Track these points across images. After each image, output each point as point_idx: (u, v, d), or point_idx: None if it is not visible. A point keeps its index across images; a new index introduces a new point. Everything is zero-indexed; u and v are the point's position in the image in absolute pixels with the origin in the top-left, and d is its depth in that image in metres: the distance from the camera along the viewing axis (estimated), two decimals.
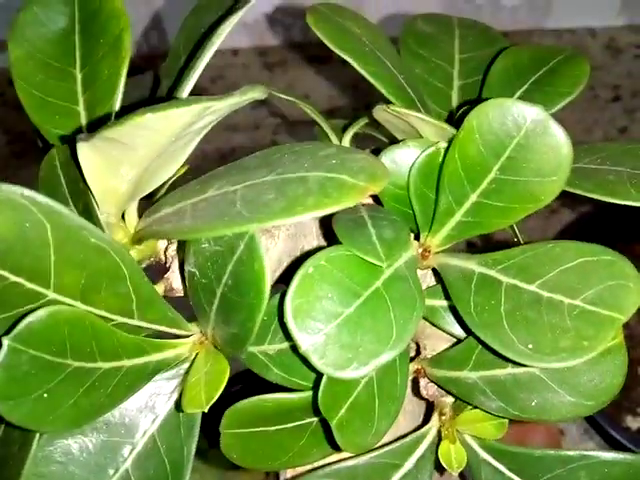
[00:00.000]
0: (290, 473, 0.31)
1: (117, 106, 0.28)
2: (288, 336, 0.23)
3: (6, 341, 0.20)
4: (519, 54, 0.30)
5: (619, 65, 0.86)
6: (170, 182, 0.28)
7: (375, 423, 0.24)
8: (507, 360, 0.22)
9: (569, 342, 0.21)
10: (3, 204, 0.21)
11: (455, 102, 0.31)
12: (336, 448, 0.24)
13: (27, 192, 0.21)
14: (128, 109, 0.26)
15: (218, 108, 0.20)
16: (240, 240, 0.21)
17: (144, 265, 0.28)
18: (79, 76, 0.28)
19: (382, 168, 0.20)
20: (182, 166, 0.27)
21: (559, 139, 0.21)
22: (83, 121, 0.28)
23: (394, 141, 0.29)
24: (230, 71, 0.89)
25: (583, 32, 0.89)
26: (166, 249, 0.27)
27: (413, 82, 0.29)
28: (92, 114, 0.28)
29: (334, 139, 0.31)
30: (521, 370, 0.24)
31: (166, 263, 0.27)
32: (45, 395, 0.22)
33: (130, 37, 0.28)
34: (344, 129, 0.31)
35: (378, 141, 0.32)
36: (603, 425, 0.54)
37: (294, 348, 0.23)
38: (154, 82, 0.31)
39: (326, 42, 0.25)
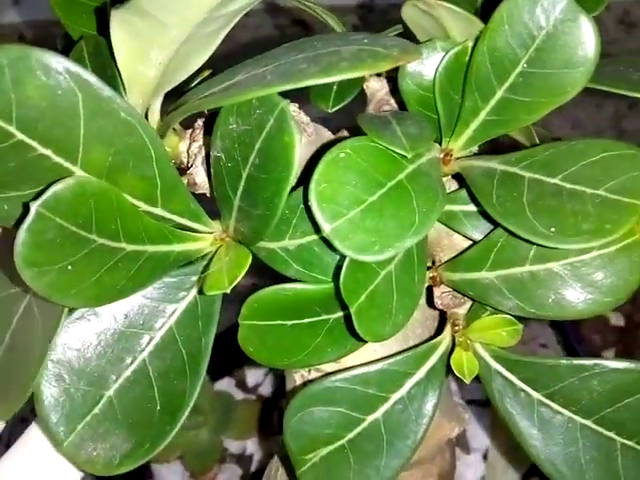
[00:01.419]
0: (299, 380, 0.31)
1: None
2: (313, 222, 0.23)
3: (34, 206, 0.21)
4: None
5: (632, 39, 0.86)
6: (193, 86, 0.28)
7: (393, 314, 0.24)
8: (531, 243, 0.22)
9: (591, 225, 0.21)
10: (37, 69, 0.21)
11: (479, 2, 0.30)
12: (355, 336, 0.24)
13: (62, 59, 0.21)
14: None
15: None
16: (270, 115, 0.21)
17: None
18: None
19: (414, 46, 0.21)
20: (205, 70, 0.27)
21: (587, 29, 0.22)
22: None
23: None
24: (239, 33, 0.89)
25: None
26: (188, 148, 0.27)
27: None
28: None
29: None
30: (539, 267, 0.24)
31: (188, 162, 0.27)
32: (69, 267, 0.22)
33: None
34: None
35: None
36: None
37: (318, 232, 0.23)
38: None
39: None
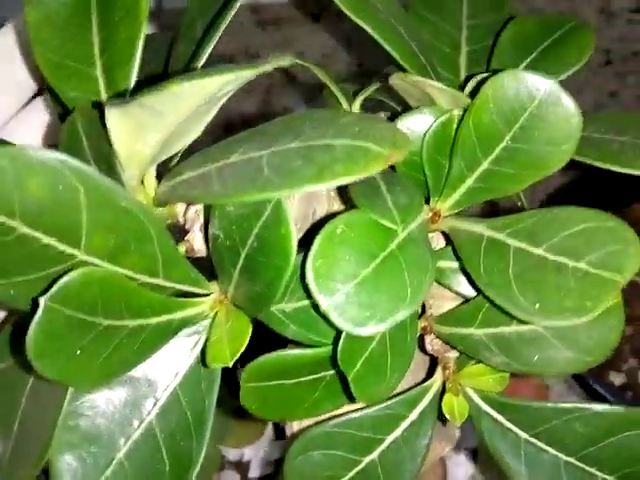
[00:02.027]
0: (297, 425, 0.33)
1: (135, 70, 0.28)
2: (308, 295, 0.24)
3: (42, 301, 0.21)
4: (526, 24, 0.31)
5: (612, 29, 0.86)
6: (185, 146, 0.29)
7: (387, 376, 0.25)
8: (516, 319, 0.24)
9: (573, 302, 0.22)
10: (38, 168, 0.21)
11: (463, 68, 0.31)
12: (351, 399, 0.26)
13: (61, 156, 0.21)
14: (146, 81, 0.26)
15: (245, 76, 0.20)
16: (266, 205, 0.22)
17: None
18: (96, 40, 0.29)
19: (403, 136, 0.21)
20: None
21: (570, 110, 0.22)
22: (101, 84, 0.29)
23: (405, 106, 0.30)
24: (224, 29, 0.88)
25: None
26: (185, 212, 0.28)
27: (424, 48, 0.29)
28: (109, 77, 0.28)
29: (344, 104, 0.31)
30: (525, 328, 0.25)
31: (185, 225, 0.28)
32: (78, 352, 0.23)
33: (148, 0, 0.28)
34: (354, 94, 0.32)
35: (387, 106, 0.33)
36: (588, 380, 0.57)
37: (314, 306, 0.24)
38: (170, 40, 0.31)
39: (346, 11, 0.26)
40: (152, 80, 0.25)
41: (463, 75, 0.31)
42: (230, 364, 0.24)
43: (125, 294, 0.24)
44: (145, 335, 0.25)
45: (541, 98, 0.22)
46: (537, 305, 0.22)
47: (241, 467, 0.55)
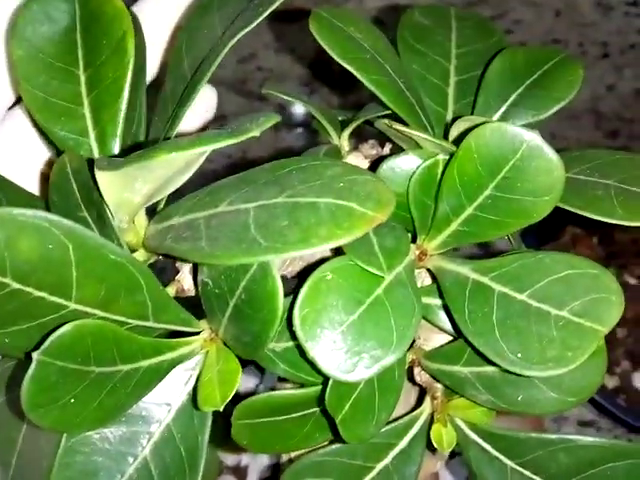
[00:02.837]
0: (293, 453, 0.33)
1: (123, 110, 0.28)
2: (295, 338, 0.24)
3: (35, 356, 0.22)
4: (514, 56, 0.31)
5: (609, 22, 0.86)
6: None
7: (376, 415, 0.26)
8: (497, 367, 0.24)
9: (555, 352, 0.23)
10: (28, 228, 0.22)
11: (451, 98, 0.31)
12: (339, 439, 0.26)
13: (50, 216, 0.22)
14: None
15: (229, 143, 0.21)
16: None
17: (151, 261, 0.29)
18: (83, 77, 0.29)
19: (387, 193, 0.22)
20: None
21: (553, 163, 0.23)
22: (89, 123, 0.29)
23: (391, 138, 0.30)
24: None
25: None
26: None
27: (411, 83, 0.30)
28: (97, 116, 0.29)
29: (333, 135, 0.32)
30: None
31: (175, 262, 0.29)
32: (72, 400, 0.23)
33: (133, 39, 0.28)
34: (342, 123, 0.32)
35: (374, 133, 0.33)
36: None
37: (302, 352, 0.25)
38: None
39: (330, 52, 0.26)
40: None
41: (451, 107, 0.31)
42: (221, 408, 0.25)
43: (117, 341, 0.24)
44: (138, 378, 0.25)
45: (523, 151, 0.23)
46: (519, 354, 0.23)
47: (239, 472, 0.56)
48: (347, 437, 0.25)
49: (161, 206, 0.28)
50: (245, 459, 0.56)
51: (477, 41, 0.33)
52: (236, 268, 0.23)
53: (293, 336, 0.25)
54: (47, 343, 0.22)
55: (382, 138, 0.33)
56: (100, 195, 0.25)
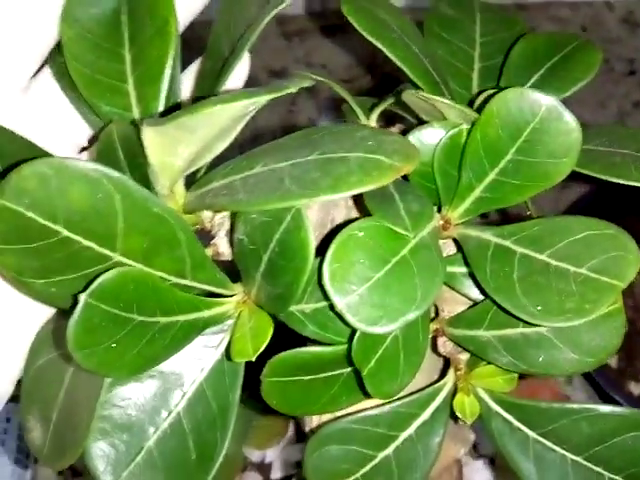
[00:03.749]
0: (315, 422, 0.34)
1: (165, 87, 0.30)
2: (325, 296, 0.26)
3: (82, 297, 0.24)
4: (535, 41, 0.32)
5: (635, 39, 0.87)
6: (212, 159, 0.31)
7: (400, 374, 0.27)
8: (519, 320, 0.25)
9: (573, 304, 0.23)
10: (79, 178, 0.23)
11: (475, 83, 0.33)
12: (366, 395, 0.27)
13: (101, 167, 0.24)
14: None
15: (271, 97, 0.22)
16: (287, 212, 0.24)
17: None
18: (128, 57, 0.31)
19: (414, 149, 0.23)
20: None
21: (571, 125, 0.24)
22: (132, 99, 0.31)
23: (419, 119, 0.31)
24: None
25: (600, 5, 0.89)
26: (212, 219, 0.30)
27: (437, 65, 0.31)
28: (141, 93, 0.31)
29: (362, 117, 0.33)
30: (530, 330, 0.27)
31: (211, 231, 0.30)
32: (114, 345, 0.25)
33: (176, 20, 0.30)
34: (371, 108, 0.34)
35: (400, 118, 0.34)
36: (607, 390, 0.57)
37: (331, 306, 0.26)
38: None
39: (361, 31, 0.28)
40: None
41: (475, 90, 0.33)
42: (253, 358, 0.26)
43: (157, 293, 0.26)
44: (174, 332, 0.27)
45: (542, 114, 0.24)
46: (539, 307, 0.24)
47: (263, 468, 0.56)
48: (373, 391, 0.26)
49: (199, 176, 0.30)
50: (269, 456, 0.57)
51: (501, 30, 0.34)
52: (270, 222, 0.25)
53: (323, 295, 0.26)
54: (94, 285, 0.24)
55: (392, 122, 0.34)
56: (145, 159, 0.27)
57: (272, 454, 0.57)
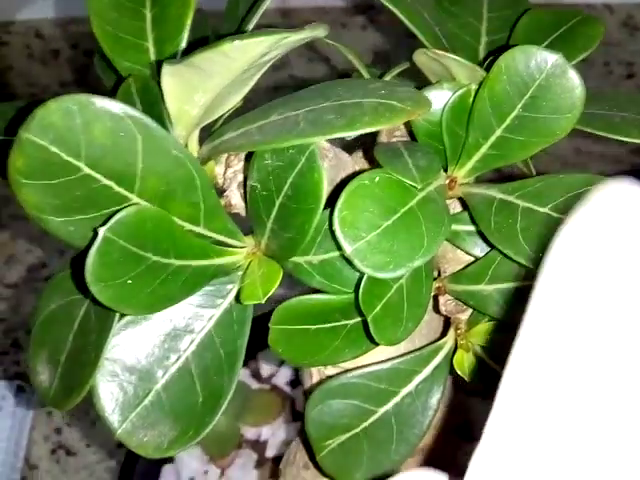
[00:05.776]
0: (316, 378, 0.35)
1: (184, 44, 0.31)
2: (335, 242, 0.26)
3: (102, 231, 0.24)
4: (540, 15, 0.33)
5: (635, 42, 0.88)
6: (225, 115, 0.32)
7: (404, 322, 0.28)
8: (522, 266, 0.26)
9: None
10: (103, 115, 0.24)
11: (482, 55, 0.34)
12: (372, 342, 0.28)
13: (124, 106, 0.25)
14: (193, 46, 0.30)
15: (291, 41, 0.23)
16: (301, 155, 0.25)
17: None
18: (149, 15, 0.32)
19: (424, 97, 0.24)
20: None
21: (575, 81, 0.25)
22: (152, 55, 0.32)
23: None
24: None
25: (601, 8, 0.91)
26: (224, 173, 0.31)
27: (446, 34, 0.32)
28: (160, 50, 0.32)
29: None
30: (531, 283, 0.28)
31: (223, 185, 0.31)
32: (129, 281, 0.26)
33: None
34: (380, 76, 0.35)
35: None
36: None
37: (338, 257, 0.27)
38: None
39: None
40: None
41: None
42: (263, 300, 0.27)
43: (172, 235, 0.27)
44: (187, 276, 0.28)
45: (548, 70, 0.25)
46: (541, 254, 0.25)
47: (258, 446, 0.57)
48: (377, 336, 0.27)
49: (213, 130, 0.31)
50: (265, 433, 0.57)
51: (507, 7, 0.35)
52: (284, 166, 0.26)
53: (333, 241, 0.27)
54: (112, 221, 0.25)
55: None
56: (162, 108, 0.28)
57: (267, 432, 0.57)
